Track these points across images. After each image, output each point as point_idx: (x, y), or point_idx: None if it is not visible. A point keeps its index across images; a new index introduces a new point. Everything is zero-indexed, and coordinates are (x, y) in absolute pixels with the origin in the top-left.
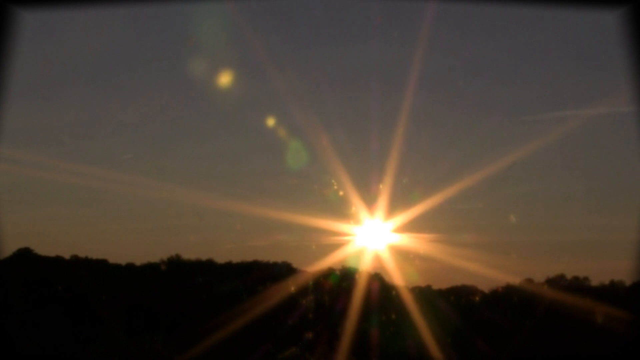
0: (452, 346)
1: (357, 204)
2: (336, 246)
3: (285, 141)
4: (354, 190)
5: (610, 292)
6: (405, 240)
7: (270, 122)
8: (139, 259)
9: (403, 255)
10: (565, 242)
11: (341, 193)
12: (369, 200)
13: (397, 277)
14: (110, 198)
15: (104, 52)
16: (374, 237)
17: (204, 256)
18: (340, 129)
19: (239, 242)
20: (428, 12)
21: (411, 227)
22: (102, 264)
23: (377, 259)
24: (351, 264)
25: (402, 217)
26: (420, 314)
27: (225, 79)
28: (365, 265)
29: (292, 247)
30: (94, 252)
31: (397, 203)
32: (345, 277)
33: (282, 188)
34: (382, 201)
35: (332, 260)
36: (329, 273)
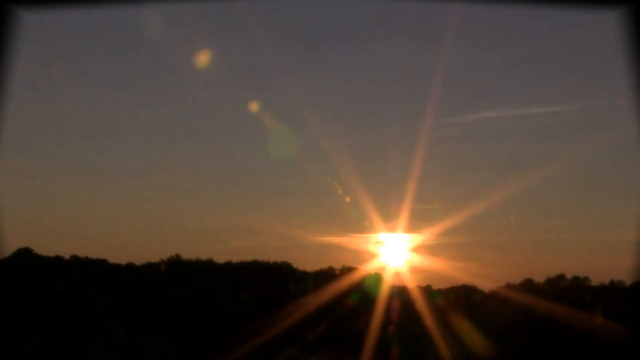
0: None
1: (358, 204)
2: (333, 246)
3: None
4: (357, 192)
5: (610, 292)
6: (407, 239)
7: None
8: (139, 259)
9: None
10: (566, 241)
11: (348, 199)
12: (372, 201)
13: (402, 277)
14: (111, 198)
15: (103, 51)
16: (378, 239)
17: (203, 256)
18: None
19: (227, 243)
20: (448, 19)
21: (412, 227)
22: (102, 264)
23: (378, 260)
24: (351, 262)
25: (405, 216)
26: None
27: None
28: (368, 267)
29: (292, 247)
30: (94, 252)
31: (397, 203)
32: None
33: (281, 186)
34: (384, 201)
35: (331, 261)
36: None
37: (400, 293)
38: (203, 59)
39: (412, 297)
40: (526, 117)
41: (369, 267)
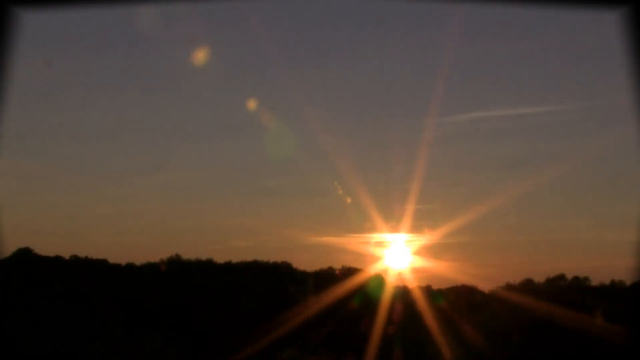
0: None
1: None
2: (333, 246)
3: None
4: (357, 192)
5: (610, 292)
6: (407, 240)
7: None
8: (139, 259)
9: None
10: (566, 241)
11: (348, 200)
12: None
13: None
14: (110, 198)
15: (103, 51)
16: (378, 241)
17: (203, 256)
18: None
19: (227, 243)
20: (449, 18)
21: (412, 227)
22: (102, 264)
23: (378, 260)
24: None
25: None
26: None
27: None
28: (370, 268)
29: (292, 247)
30: (94, 252)
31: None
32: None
33: (282, 187)
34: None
35: (331, 261)
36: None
37: (400, 293)
38: (203, 58)
39: (413, 298)
40: (526, 117)
41: (370, 268)
